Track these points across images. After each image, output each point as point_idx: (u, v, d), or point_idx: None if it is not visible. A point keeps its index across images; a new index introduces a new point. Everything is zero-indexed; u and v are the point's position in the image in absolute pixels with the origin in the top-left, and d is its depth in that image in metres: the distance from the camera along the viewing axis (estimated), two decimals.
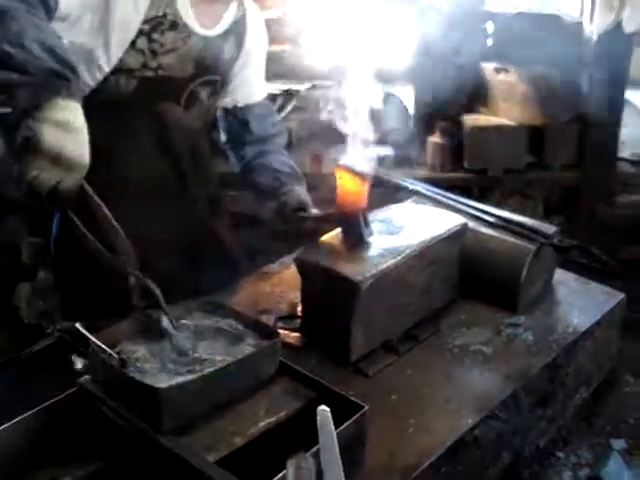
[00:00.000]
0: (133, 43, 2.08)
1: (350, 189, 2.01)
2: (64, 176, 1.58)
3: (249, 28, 2.38)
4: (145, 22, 2.07)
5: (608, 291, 2.30)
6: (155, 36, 2.10)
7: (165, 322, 1.58)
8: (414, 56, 4.14)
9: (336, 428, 1.28)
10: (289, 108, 4.74)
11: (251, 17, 2.39)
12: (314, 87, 4.67)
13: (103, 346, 1.51)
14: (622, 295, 2.26)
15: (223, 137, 2.56)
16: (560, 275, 2.35)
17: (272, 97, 4.77)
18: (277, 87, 4.88)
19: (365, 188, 2.00)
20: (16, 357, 1.93)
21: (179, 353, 1.52)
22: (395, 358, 1.96)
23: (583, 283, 2.36)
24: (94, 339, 1.52)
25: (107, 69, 2.08)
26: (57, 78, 1.59)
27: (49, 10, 1.84)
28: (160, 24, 2.10)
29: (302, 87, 4.74)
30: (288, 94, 4.81)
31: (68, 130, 1.57)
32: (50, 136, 1.54)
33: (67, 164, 1.57)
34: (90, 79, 2.09)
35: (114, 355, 1.50)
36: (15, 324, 3.93)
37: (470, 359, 1.96)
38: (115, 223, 1.67)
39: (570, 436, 2.05)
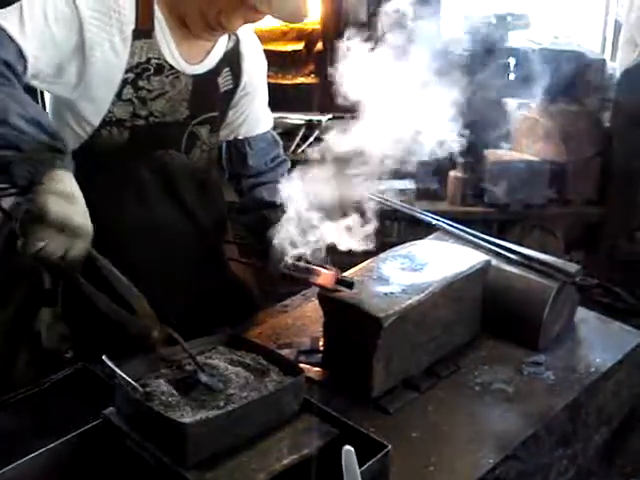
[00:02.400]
0: (119, 94, 2.01)
1: None
2: (71, 244, 1.63)
3: (245, 56, 2.29)
4: (128, 71, 2.00)
5: (630, 330, 2.29)
6: (141, 83, 2.03)
7: (203, 377, 1.58)
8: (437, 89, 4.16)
9: (359, 467, 1.29)
10: (311, 139, 4.78)
11: (246, 45, 2.29)
12: (335, 118, 4.70)
13: (128, 379, 1.52)
14: None
15: (226, 173, 2.50)
16: (582, 313, 2.34)
17: (295, 127, 4.83)
18: (300, 117, 4.93)
19: None
20: (37, 386, 1.94)
21: (209, 391, 1.53)
22: (416, 395, 1.96)
23: (605, 322, 2.35)
24: (119, 371, 1.53)
25: (96, 122, 2.02)
26: (49, 151, 1.66)
27: (18, 77, 1.80)
28: (145, 70, 2.02)
29: (324, 118, 4.78)
30: (310, 125, 4.85)
31: (70, 200, 1.63)
32: (55, 206, 1.59)
33: (73, 232, 1.62)
34: (81, 131, 2.04)
35: (139, 388, 1.51)
36: (35, 349, 3.94)
37: (491, 397, 1.96)
38: (130, 285, 1.73)
39: (590, 476, 2.04)
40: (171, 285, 2.20)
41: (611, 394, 2.14)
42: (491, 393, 1.97)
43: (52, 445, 1.50)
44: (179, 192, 2.19)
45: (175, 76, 2.09)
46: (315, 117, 4.86)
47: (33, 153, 1.65)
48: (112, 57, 1.97)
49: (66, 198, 1.62)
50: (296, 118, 4.93)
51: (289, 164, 2.52)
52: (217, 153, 2.40)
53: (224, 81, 2.24)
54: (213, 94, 2.22)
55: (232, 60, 2.24)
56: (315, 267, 2.01)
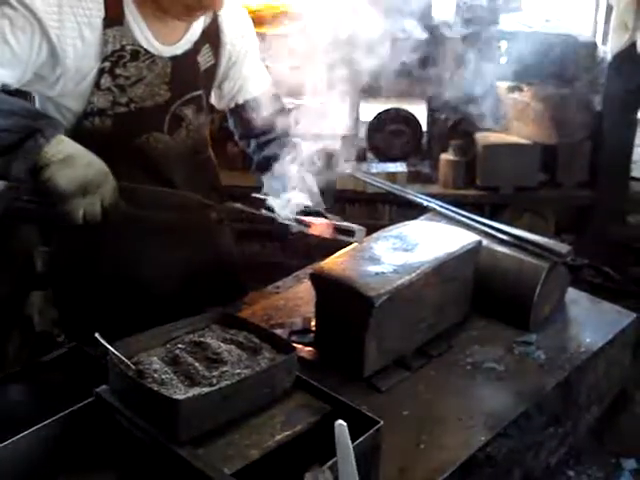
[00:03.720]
0: (97, 84, 2.00)
1: None
2: (101, 193, 1.80)
3: (225, 29, 2.25)
4: (104, 60, 1.98)
5: (620, 310, 2.30)
6: (118, 71, 2.01)
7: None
8: (428, 73, 4.16)
9: (351, 442, 1.30)
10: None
11: (225, 17, 2.24)
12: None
13: (121, 356, 1.52)
14: (634, 315, 2.27)
15: (236, 136, 2.50)
16: (572, 294, 2.36)
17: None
18: (290, 101, 4.91)
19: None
20: (29, 366, 1.94)
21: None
22: (408, 374, 1.97)
23: (595, 302, 2.36)
24: (112, 349, 1.53)
25: (78, 113, 2.03)
26: (31, 133, 1.75)
27: None
28: (121, 57, 2.00)
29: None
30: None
31: (70, 161, 1.78)
32: (62, 179, 1.76)
33: (93, 185, 1.78)
34: (65, 122, 2.02)
35: (131, 366, 1.52)
36: (27, 332, 3.95)
37: (482, 376, 1.97)
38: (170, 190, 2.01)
39: (581, 455, 2.05)
40: (161, 267, 2.23)
41: (601, 374, 2.15)
42: (482, 372, 1.99)
43: (45, 423, 1.50)
44: (165, 175, 2.18)
45: (151, 60, 2.07)
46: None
47: (19, 145, 1.74)
48: (85, 50, 1.96)
49: (66, 163, 1.76)
50: (287, 101, 4.91)
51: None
52: (208, 131, 2.40)
53: (205, 59, 2.21)
54: (194, 74, 2.20)
55: (211, 36, 2.21)
56: (311, 219, 2.02)
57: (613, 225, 4.48)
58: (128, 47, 2.01)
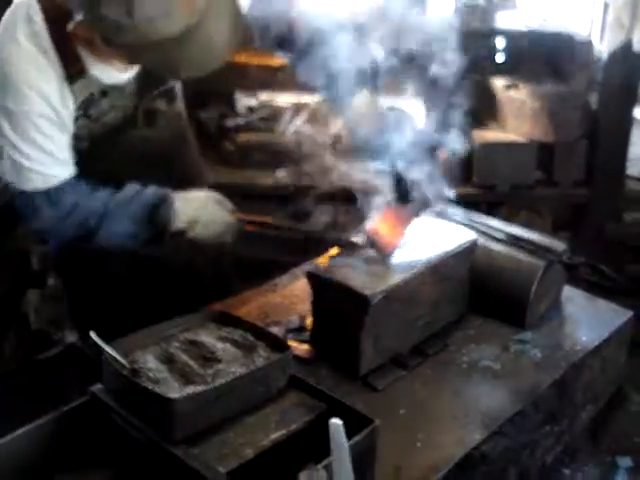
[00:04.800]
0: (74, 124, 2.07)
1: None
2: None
3: None
4: (77, 109, 2.04)
5: (616, 309, 2.30)
6: (91, 111, 2.07)
7: None
8: (424, 71, 4.15)
9: (347, 441, 1.29)
10: (300, 120, 4.76)
11: None
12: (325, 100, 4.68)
13: (116, 355, 1.52)
14: (630, 313, 2.27)
15: None
16: (568, 292, 2.35)
17: (282, 109, 4.80)
18: (288, 99, 4.91)
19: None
20: (25, 365, 1.94)
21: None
22: (404, 373, 1.97)
23: (591, 300, 2.36)
24: (107, 348, 1.53)
25: None
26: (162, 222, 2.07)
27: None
28: (91, 102, 2.06)
29: (312, 100, 4.75)
30: (299, 106, 4.83)
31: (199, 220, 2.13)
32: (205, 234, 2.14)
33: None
34: None
35: (126, 365, 1.51)
36: (24, 331, 3.94)
37: (478, 375, 1.97)
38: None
39: (577, 453, 2.06)
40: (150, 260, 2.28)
41: (597, 372, 2.15)
42: (478, 370, 1.98)
43: (40, 422, 1.50)
44: (161, 164, 2.25)
45: (120, 91, 2.11)
46: (303, 99, 4.83)
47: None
48: (67, 109, 2.01)
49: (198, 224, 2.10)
50: (284, 100, 4.91)
51: None
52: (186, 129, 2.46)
53: None
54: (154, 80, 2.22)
55: None
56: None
57: (609, 223, 4.47)
58: (96, 91, 2.06)
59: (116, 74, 2.04)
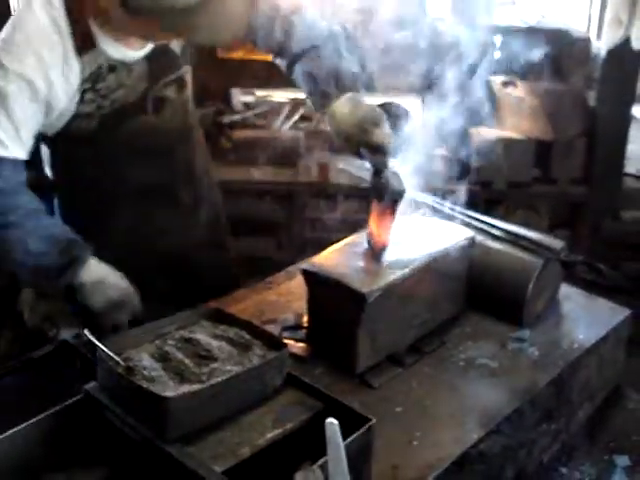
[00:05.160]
0: (81, 99, 2.05)
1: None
2: (127, 310, 2.08)
3: None
4: (84, 82, 2.03)
5: (614, 307, 2.30)
6: (99, 85, 2.06)
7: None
8: (423, 67, 4.15)
9: (343, 440, 1.28)
10: (296, 117, 4.75)
11: None
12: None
13: (110, 353, 1.51)
14: (628, 311, 2.26)
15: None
16: (566, 290, 2.35)
17: (280, 105, 4.79)
18: (284, 96, 4.90)
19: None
20: (19, 362, 1.93)
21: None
22: (401, 370, 1.96)
23: (589, 298, 2.35)
24: (101, 346, 1.52)
25: (64, 121, 2.08)
26: (70, 261, 1.98)
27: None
28: (99, 75, 2.05)
29: None
30: (295, 103, 4.82)
31: (103, 285, 2.04)
32: (97, 299, 2.04)
33: (122, 303, 2.07)
34: (50, 128, 2.10)
35: (121, 362, 1.50)
36: (18, 328, 3.93)
37: (476, 373, 1.96)
38: None
39: (574, 452, 2.05)
40: (153, 251, 2.30)
41: (595, 370, 2.15)
42: (475, 368, 1.98)
43: (34, 420, 1.49)
44: (163, 154, 2.26)
45: (128, 69, 2.10)
46: (300, 95, 4.83)
47: (58, 271, 1.99)
48: (72, 86, 2.01)
49: (96, 287, 2.03)
50: (281, 96, 4.91)
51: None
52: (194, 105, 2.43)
53: (177, 42, 2.22)
54: (170, 60, 2.22)
55: None
56: None
57: (607, 221, 4.48)
58: (104, 65, 2.05)
59: (125, 50, 2.06)
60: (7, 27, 1.94)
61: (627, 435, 2.11)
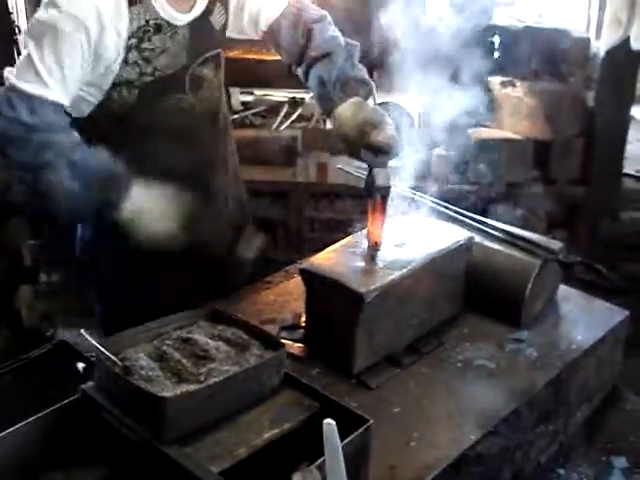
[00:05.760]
0: (125, 59, 2.05)
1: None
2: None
3: None
4: (131, 37, 2.03)
5: (612, 308, 2.29)
6: (144, 45, 2.05)
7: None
8: (421, 68, 4.14)
9: (340, 441, 1.28)
10: (294, 116, 4.75)
11: None
12: None
13: (107, 353, 1.50)
14: (626, 312, 2.26)
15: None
16: (564, 291, 2.35)
17: (278, 105, 4.79)
18: (283, 95, 4.90)
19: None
20: (17, 361, 1.92)
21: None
22: (398, 371, 1.96)
23: (587, 299, 2.35)
24: (98, 346, 1.51)
25: (105, 87, 2.08)
26: (111, 198, 1.97)
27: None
28: (146, 32, 2.06)
29: (308, 95, 4.74)
30: (294, 102, 4.82)
31: (143, 215, 2.01)
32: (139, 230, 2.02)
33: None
34: (91, 98, 2.10)
35: (118, 362, 1.50)
36: (16, 327, 3.93)
37: (473, 374, 1.96)
38: None
39: (571, 453, 2.05)
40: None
41: (593, 371, 2.14)
42: (473, 369, 1.97)
43: (32, 419, 1.48)
44: (193, 135, 2.25)
45: (174, 31, 2.11)
46: (298, 94, 4.83)
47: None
48: (120, 38, 2.01)
49: (139, 216, 2.00)
50: (279, 95, 4.90)
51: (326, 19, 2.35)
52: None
53: (217, 19, 2.24)
54: (209, 35, 2.23)
55: None
56: None
57: (605, 221, 4.48)
58: (151, 21, 2.06)
59: (171, 10, 2.08)
60: None
61: (624, 436, 2.11)
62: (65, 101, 1.98)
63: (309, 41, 2.27)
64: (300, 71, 2.33)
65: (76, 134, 2.02)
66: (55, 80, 1.94)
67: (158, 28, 2.07)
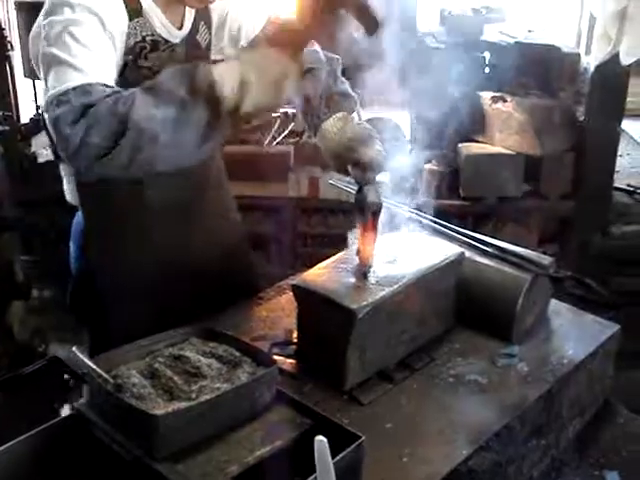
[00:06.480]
0: (122, 75, 1.98)
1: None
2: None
3: (212, 4, 2.18)
4: (127, 53, 1.98)
5: (603, 322, 2.30)
6: (141, 62, 2.02)
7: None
8: (412, 83, 4.16)
9: (332, 457, 1.28)
10: (286, 132, 4.76)
11: None
12: None
13: (99, 370, 1.50)
14: (617, 326, 2.26)
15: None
16: (555, 306, 2.35)
17: (271, 119, 4.80)
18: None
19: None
20: (9, 378, 1.92)
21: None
22: (390, 387, 1.96)
23: (578, 314, 2.35)
24: (90, 363, 1.51)
25: None
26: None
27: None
28: (142, 49, 2.01)
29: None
30: (285, 118, 4.83)
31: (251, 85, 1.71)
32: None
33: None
34: None
35: (110, 380, 1.50)
36: (8, 342, 3.93)
37: (465, 389, 1.96)
38: None
39: (563, 467, 2.05)
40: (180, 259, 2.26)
41: (584, 385, 2.15)
42: (465, 384, 1.97)
43: (23, 437, 1.48)
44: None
45: (171, 49, 2.09)
46: (290, 110, 4.84)
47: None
48: (113, 43, 1.93)
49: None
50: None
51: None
52: None
53: (202, 37, 2.22)
54: (199, 53, 2.21)
55: (203, 13, 2.20)
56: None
57: (596, 236, 4.49)
58: (148, 38, 2.02)
59: (168, 25, 2.06)
60: None
61: (617, 451, 2.11)
62: (109, 82, 1.83)
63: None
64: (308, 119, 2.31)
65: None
66: (92, 65, 1.79)
67: (155, 45, 2.04)
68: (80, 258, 2.32)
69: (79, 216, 2.25)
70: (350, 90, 2.27)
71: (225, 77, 1.68)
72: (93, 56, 1.81)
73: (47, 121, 1.76)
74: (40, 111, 1.94)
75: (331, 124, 2.14)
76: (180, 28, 2.12)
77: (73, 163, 1.77)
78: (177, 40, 2.11)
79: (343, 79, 2.28)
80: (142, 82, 1.90)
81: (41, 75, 1.87)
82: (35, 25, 1.98)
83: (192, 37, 2.17)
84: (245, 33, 2.31)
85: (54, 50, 1.79)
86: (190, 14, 2.16)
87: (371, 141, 2.07)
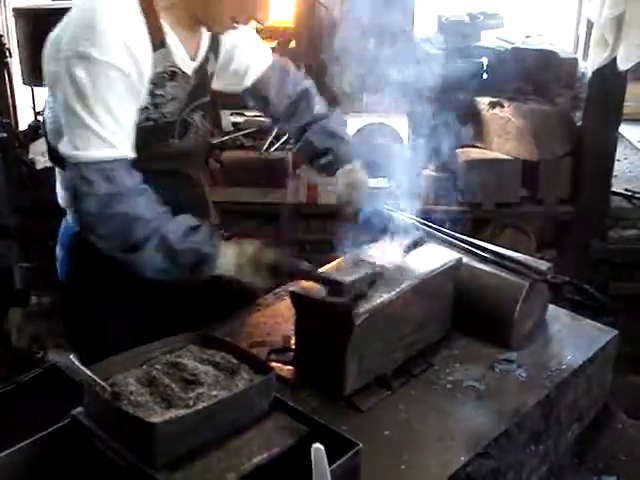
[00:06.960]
0: None
1: None
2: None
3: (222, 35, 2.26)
4: (150, 82, 2.00)
5: (601, 327, 2.30)
6: (157, 91, 2.03)
7: None
8: (410, 88, 4.17)
9: (330, 465, 1.28)
10: (284, 138, 4.76)
11: None
12: None
13: (96, 378, 1.50)
14: (615, 332, 2.26)
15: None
16: (553, 311, 2.35)
17: (269, 126, 4.81)
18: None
19: None
20: (7, 385, 1.92)
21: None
22: (388, 393, 1.96)
23: (576, 319, 2.35)
24: (87, 371, 1.51)
25: None
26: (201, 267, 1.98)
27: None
28: (162, 79, 2.03)
29: None
30: None
31: (244, 270, 2.03)
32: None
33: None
34: None
35: (107, 388, 1.50)
36: (6, 349, 3.92)
37: (463, 395, 1.96)
38: None
39: (562, 473, 2.05)
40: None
41: (583, 391, 2.15)
42: (463, 391, 1.97)
43: (21, 445, 1.48)
44: (183, 170, 2.27)
45: (186, 80, 2.11)
46: None
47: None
48: (140, 76, 1.96)
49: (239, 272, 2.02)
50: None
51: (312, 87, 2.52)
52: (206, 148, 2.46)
53: (211, 66, 2.26)
54: (206, 82, 2.25)
55: (213, 43, 2.24)
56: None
57: (594, 241, 4.49)
58: (168, 68, 2.05)
59: (185, 56, 2.09)
60: (78, 21, 1.90)
61: (615, 456, 2.11)
62: (130, 153, 1.93)
63: (301, 96, 2.47)
64: (290, 126, 2.53)
65: (154, 196, 1.97)
66: (115, 134, 1.88)
67: (173, 75, 2.06)
68: (68, 262, 2.30)
69: (67, 220, 2.25)
70: (324, 110, 2.49)
71: (224, 269, 2.00)
72: (115, 123, 1.89)
73: (66, 171, 1.95)
74: (39, 118, 1.98)
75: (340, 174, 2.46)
76: (193, 59, 2.14)
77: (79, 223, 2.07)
78: (190, 71, 2.13)
79: (318, 99, 2.48)
80: (151, 108, 2.05)
81: (53, 100, 2.00)
82: (50, 42, 1.99)
83: (202, 67, 2.19)
84: (252, 74, 2.42)
85: (77, 109, 1.87)
86: (204, 45, 2.19)
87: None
